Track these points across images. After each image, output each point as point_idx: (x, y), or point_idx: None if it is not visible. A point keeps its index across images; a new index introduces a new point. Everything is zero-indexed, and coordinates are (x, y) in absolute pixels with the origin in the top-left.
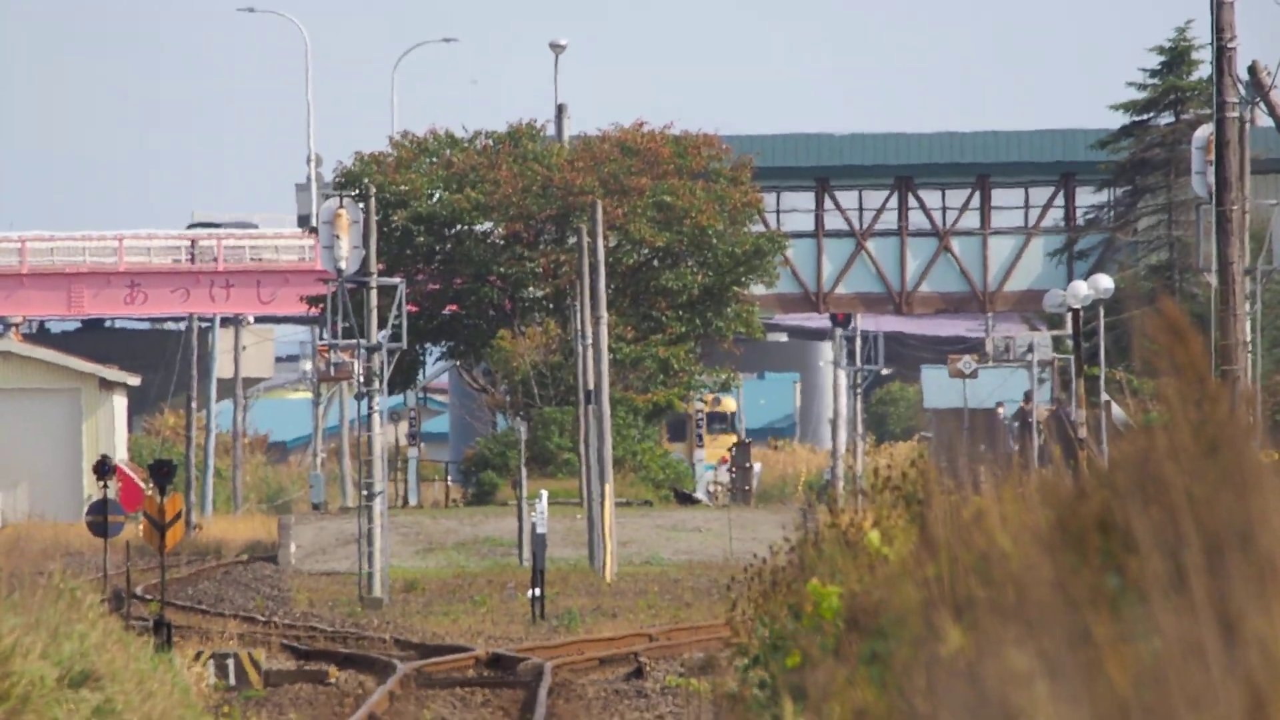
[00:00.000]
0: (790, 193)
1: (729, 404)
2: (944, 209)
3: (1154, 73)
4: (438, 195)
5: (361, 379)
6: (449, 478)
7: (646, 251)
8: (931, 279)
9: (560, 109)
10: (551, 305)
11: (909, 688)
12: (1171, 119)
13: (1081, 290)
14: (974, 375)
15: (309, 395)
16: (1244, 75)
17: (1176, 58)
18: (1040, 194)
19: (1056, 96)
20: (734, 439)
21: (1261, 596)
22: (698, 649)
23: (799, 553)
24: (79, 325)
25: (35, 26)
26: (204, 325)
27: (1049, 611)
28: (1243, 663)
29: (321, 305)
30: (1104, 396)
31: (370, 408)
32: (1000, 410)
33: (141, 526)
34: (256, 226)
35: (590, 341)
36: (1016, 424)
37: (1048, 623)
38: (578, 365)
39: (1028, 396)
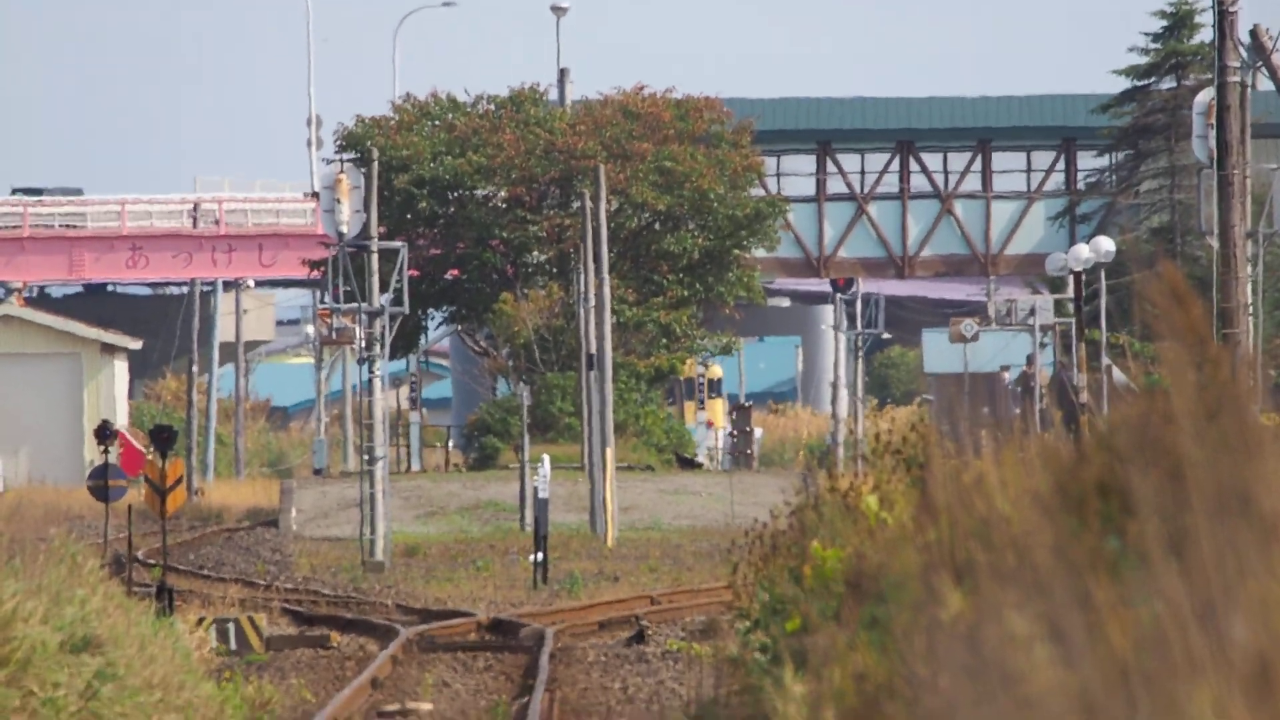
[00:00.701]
0: (791, 156)
1: (715, 371)
2: (945, 173)
3: (1156, 37)
4: (440, 159)
5: (363, 344)
6: (451, 443)
7: (648, 215)
8: (933, 243)
9: (563, 73)
10: (554, 269)
11: (909, 652)
12: (1173, 83)
13: (1083, 254)
14: (975, 339)
15: (311, 360)
16: (1245, 39)
17: (1178, 22)
18: (1042, 158)
19: (1058, 61)
20: (720, 404)
21: (1264, 558)
22: (699, 613)
23: (799, 517)
24: (80, 290)
25: None
26: (205, 289)
27: (1049, 575)
28: (1245, 625)
29: (323, 269)
30: (1105, 360)
31: (372, 372)
32: (1005, 374)
33: (143, 491)
34: (81, 192)
35: (593, 304)
36: (1019, 388)
37: (1048, 587)
38: (580, 329)
39: (1030, 360)
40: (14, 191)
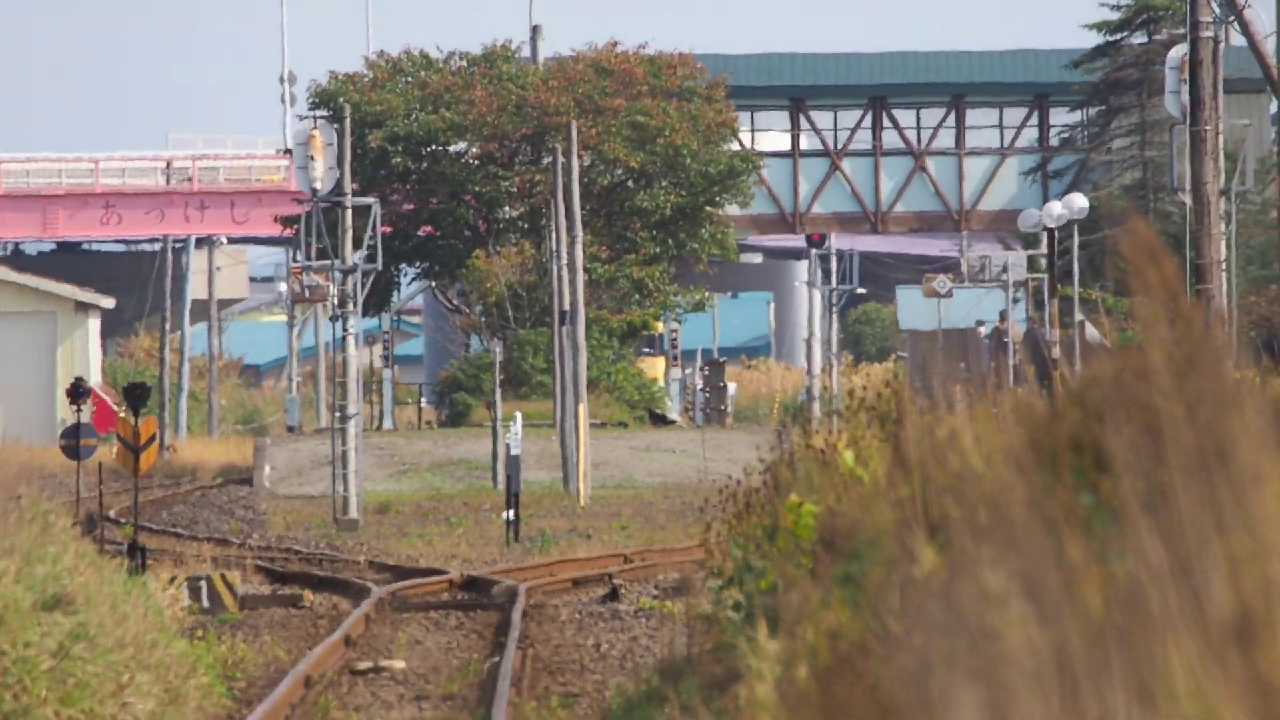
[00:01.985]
0: (765, 112)
1: (657, 327)
2: (919, 129)
3: None
4: (413, 115)
5: (336, 301)
6: (423, 400)
7: (621, 171)
8: (907, 199)
9: (535, 30)
10: (526, 225)
11: (883, 609)
12: (1145, 39)
13: (1056, 210)
14: (949, 295)
15: (284, 318)
16: None
17: None
18: (1014, 114)
19: (1031, 16)
20: (660, 361)
21: (1241, 512)
22: (672, 571)
23: (773, 473)
24: (54, 247)
25: None
26: (178, 246)
27: (1023, 532)
28: (1221, 581)
29: (296, 226)
30: (1078, 316)
31: (345, 330)
32: (981, 329)
33: (115, 449)
34: None
35: (565, 261)
36: (992, 344)
37: (1022, 543)
38: (553, 285)
39: (1003, 316)
40: None
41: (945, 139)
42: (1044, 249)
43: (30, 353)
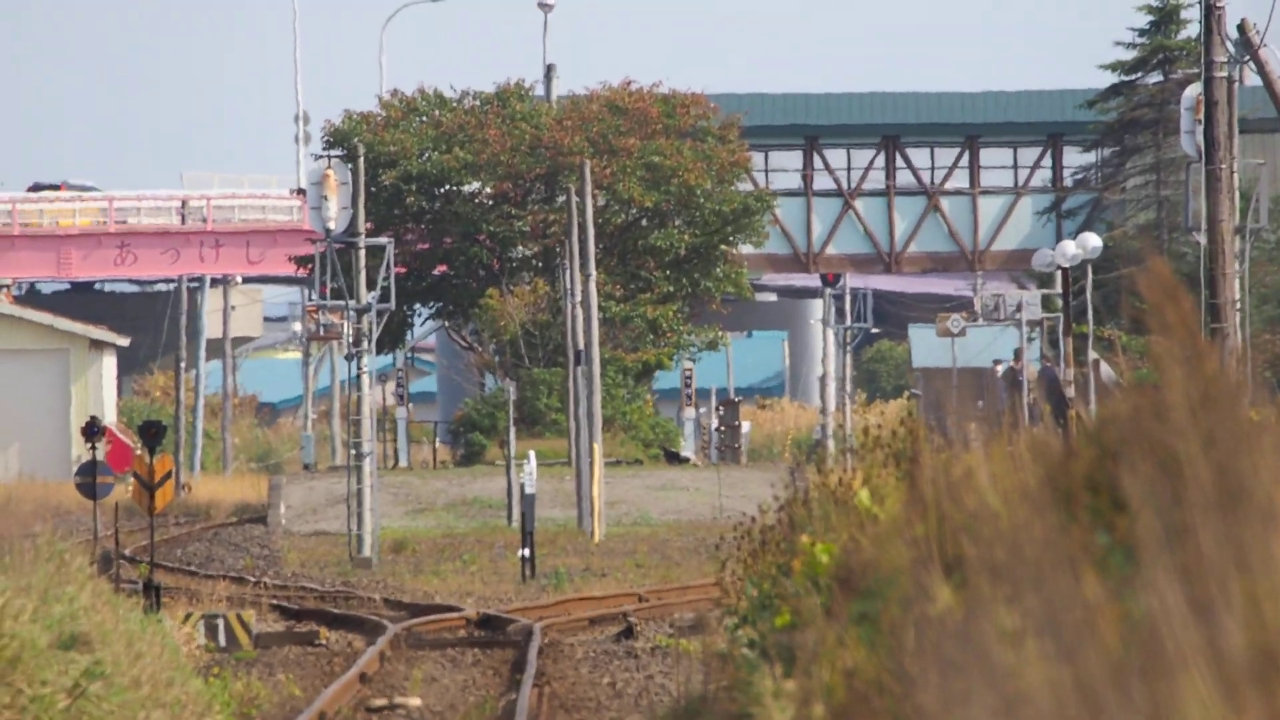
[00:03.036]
0: (779, 152)
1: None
2: (932, 168)
3: (1142, 32)
4: (426, 155)
5: (350, 340)
6: (437, 438)
7: (635, 211)
8: (920, 238)
9: (549, 69)
10: (540, 265)
11: (899, 648)
12: (1160, 78)
13: (1070, 250)
14: (962, 334)
15: (298, 356)
16: (1233, 34)
17: (1165, 16)
18: (1029, 154)
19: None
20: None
21: (1261, 551)
22: (687, 609)
23: (788, 511)
24: (69, 286)
25: None
26: (193, 286)
27: (1039, 570)
28: (1239, 620)
29: (310, 266)
30: (1092, 355)
31: (359, 368)
32: (998, 368)
33: (131, 487)
34: (96, 189)
35: (579, 300)
36: (1007, 383)
37: (1038, 582)
38: (566, 324)
39: (1018, 355)
40: (34, 188)
41: (959, 179)
42: (1058, 288)
43: (45, 391)
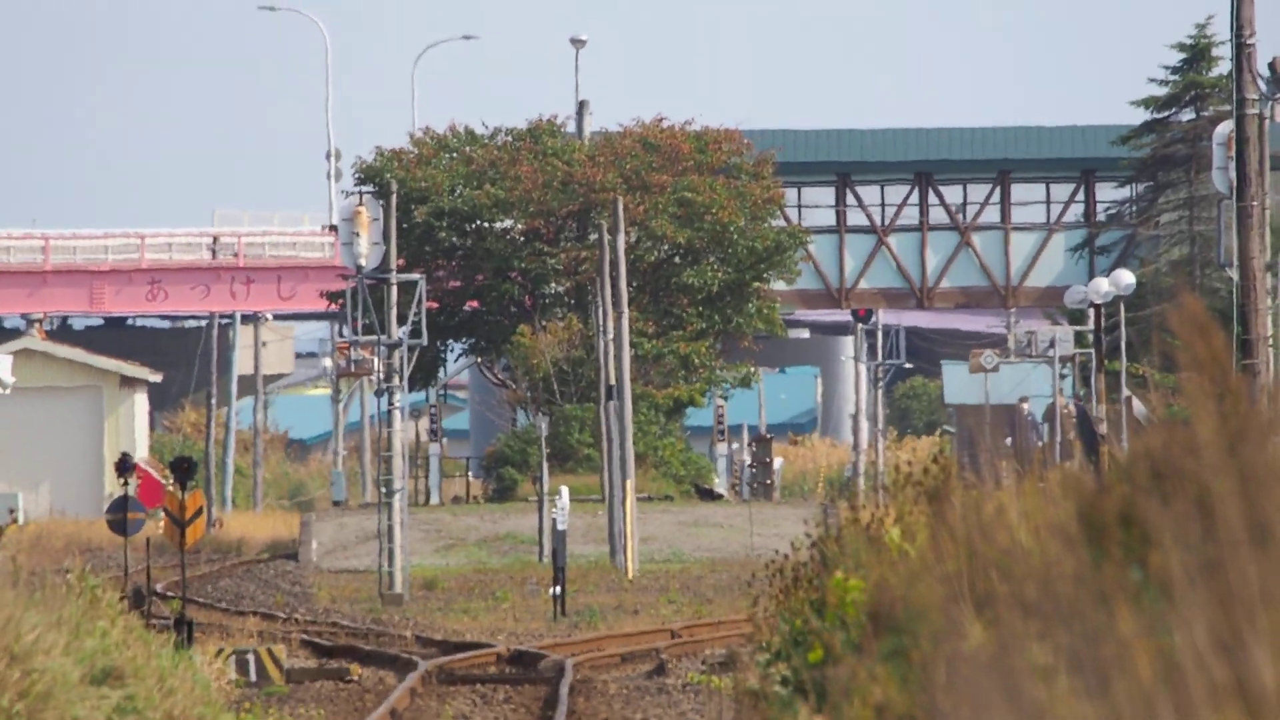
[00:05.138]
0: (811, 188)
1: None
2: (965, 204)
3: (1174, 69)
4: (458, 191)
5: (382, 376)
6: (470, 474)
7: (667, 248)
8: (952, 274)
9: (581, 105)
10: (572, 301)
11: (930, 683)
12: (1192, 115)
13: (1103, 286)
14: (995, 370)
15: (329, 392)
16: (1264, 71)
17: (1197, 54)
18: (1061, 190)
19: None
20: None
21: None
22: (719, 645)
23: (820, 548)
24: (101, 322)
25: (57, 23)
26: (224, 322)
27: (1071, 606)
28: (1269, 654)
29: (341, 302)
30: (1125, 392)
31: (390, 404)
32: (1025, 405)
33: (162, 523)
34: None
35: (611, 337)
36: (1045, 423)
37: (1070, 618)
38: (599, 361)
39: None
40: None
41: (991, 214)
42: (1091, 325)
43: (77, 427)
